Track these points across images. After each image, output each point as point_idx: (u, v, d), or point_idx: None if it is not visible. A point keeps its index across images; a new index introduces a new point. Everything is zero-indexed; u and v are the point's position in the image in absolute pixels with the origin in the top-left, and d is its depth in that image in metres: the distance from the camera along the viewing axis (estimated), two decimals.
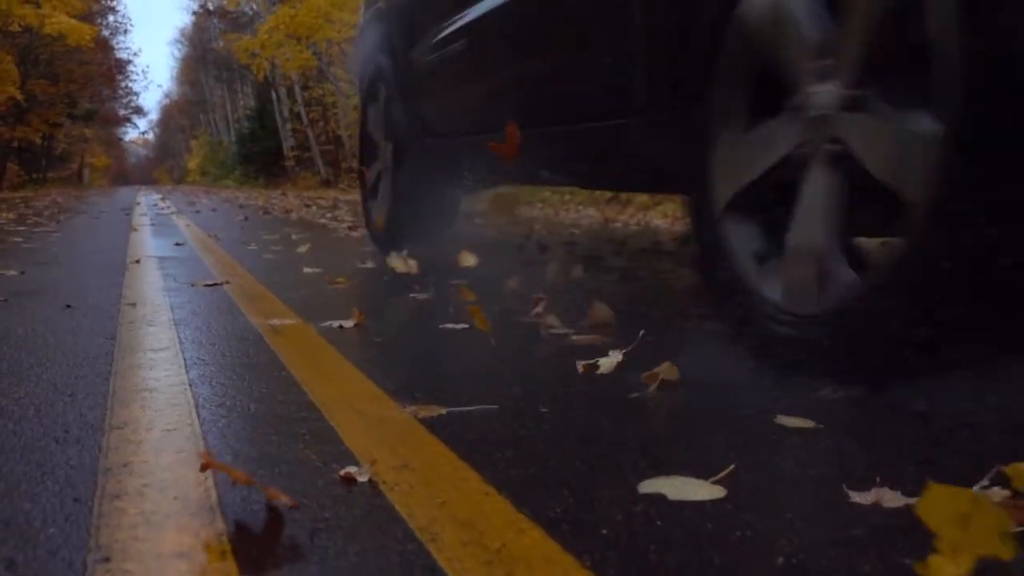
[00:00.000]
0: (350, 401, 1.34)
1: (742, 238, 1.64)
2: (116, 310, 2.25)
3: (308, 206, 9.70)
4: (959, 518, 0.69)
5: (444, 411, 1.28)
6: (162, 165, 73.53)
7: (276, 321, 2.05)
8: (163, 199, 13.32)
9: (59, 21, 20.30)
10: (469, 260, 2.85)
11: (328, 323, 2.01)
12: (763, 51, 1.58)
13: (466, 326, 2.00)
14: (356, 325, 2.00)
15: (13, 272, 3.09)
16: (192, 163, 55.57)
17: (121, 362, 1.63)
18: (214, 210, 8.61)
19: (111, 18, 37.27)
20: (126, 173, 75.11)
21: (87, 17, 26.39)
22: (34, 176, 34.51)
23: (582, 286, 2.62)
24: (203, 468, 0.98)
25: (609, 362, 1.58)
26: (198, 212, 8.16)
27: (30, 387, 1.46)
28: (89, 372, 1.56)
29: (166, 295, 2.50)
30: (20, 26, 20.94)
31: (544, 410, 1.30)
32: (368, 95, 4.07)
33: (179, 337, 1.88)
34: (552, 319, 1.99)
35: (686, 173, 1.78)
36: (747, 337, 1.60)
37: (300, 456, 1.09)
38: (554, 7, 2.40)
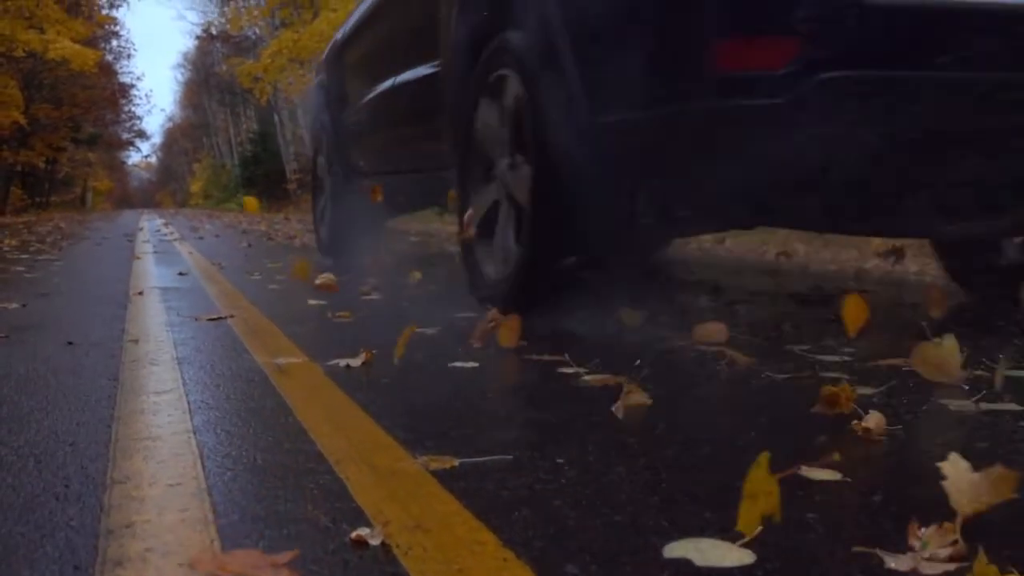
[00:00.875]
0: (359, 451, 1.30)
1: (480, 242, 2.87)
2: (119, 347, 2.21)
3: (311, 231, 9.65)
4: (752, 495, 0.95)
5: (457, 462, 1.24)
6: (165, 188, 73.72)
7: (282, 360, 2.01)
8: (166, 224, 13.32)
9: (63, 46, 20.35)
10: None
11: (335, 362, 1.98)
12: (484, 147, 2.89)
13: (476, 364, 1.97)
14: (363, 364, 1.96)
15: (15, 305, 3.05)
16: (195, 186, 55.73)
17: (123, 406, 1.59)
18: (217, 236, 8.60)
19: (114, 43, 37.41)
20: (129, 196, 75.29)
21: (91, 42, 26.50)
22: (37, 200, 34.61)
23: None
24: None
25: (624, 404, 1.54)
26: (201, 239, 8.13)
27: (30, 435, 1.42)
28: (91, 417, 1.53)
29: (169, 331, 2.46)
30: (24, 51, 20.99)
31: (560, 460, 1.26)
32: (315, 144, 5.56)
33: (183, 378, 1.84)
34: (563, 357, 1.96)
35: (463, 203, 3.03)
36: (481, 296, 2.80)
37: (309, 515, 1.05)
38: (406, 103, 3.78)
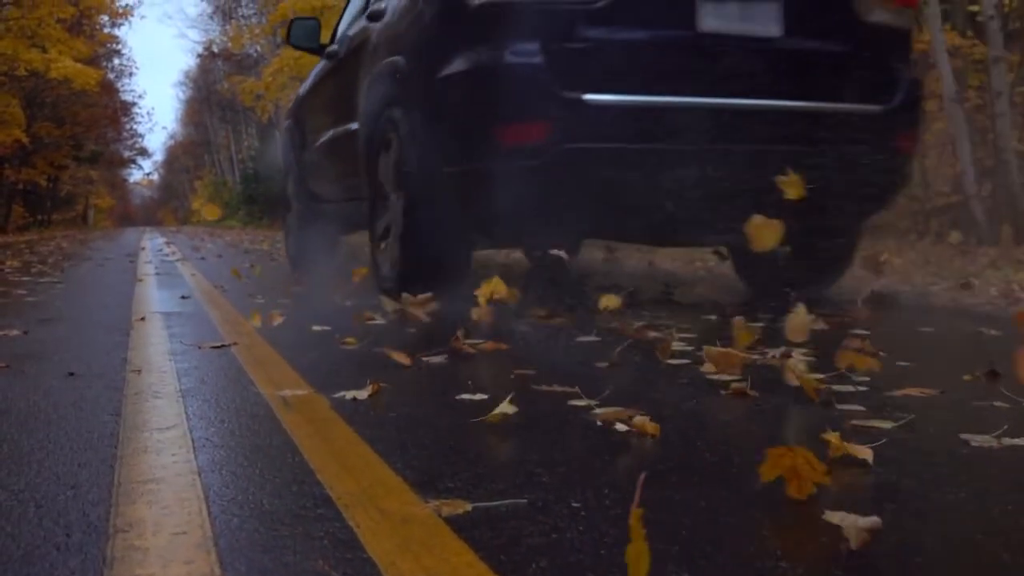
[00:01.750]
0: (369, 494, 1.27)
1: (379, 249, 4.06)
2: (121, 378, 2.18)
3: None
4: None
5: (470, 507, 1.21)
6: (166, 206, 73.76)
7: (287, 392, 1.97)
8: (168, 243, 13.29)
9: (65, 66, 20.36)
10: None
11: (341, 394, 1.94)
12: (382, 186, 4.02)
13: (484, 397, 1.93)
14: (370, 396, 1.92)
15: (16, 332, 3.02)
16: (197, 203, 55.73)
17: (126, 445, 1.56)
18: (219, 256, 8.57)
19: (116, 61, 37.53)
20: (131, 214, 75.43)
21: (93, 60, 26.57)
22: (39, 218, 34.62)
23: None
24: None
25: (640, 441, 1.51)
26: (203, 259, 8.10)
27: (31, 477, 1.38)
28: (93, 457, 1.49)
29: (172, 360, 2.43)
30: (26, 70, 21.02)
31: (576, 504, 1.22)
32: (284, 176, 6.77)
33: (186, 412, 1.80)
34: (574, 388, 1.93)
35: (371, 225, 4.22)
36: (383, 289, 3.85)
37: (319, 568, 1.01)
38: (343, 149, 4.79)
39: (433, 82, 3.51)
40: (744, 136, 3.28)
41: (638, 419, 1.61)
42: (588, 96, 3.15)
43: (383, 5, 4.22)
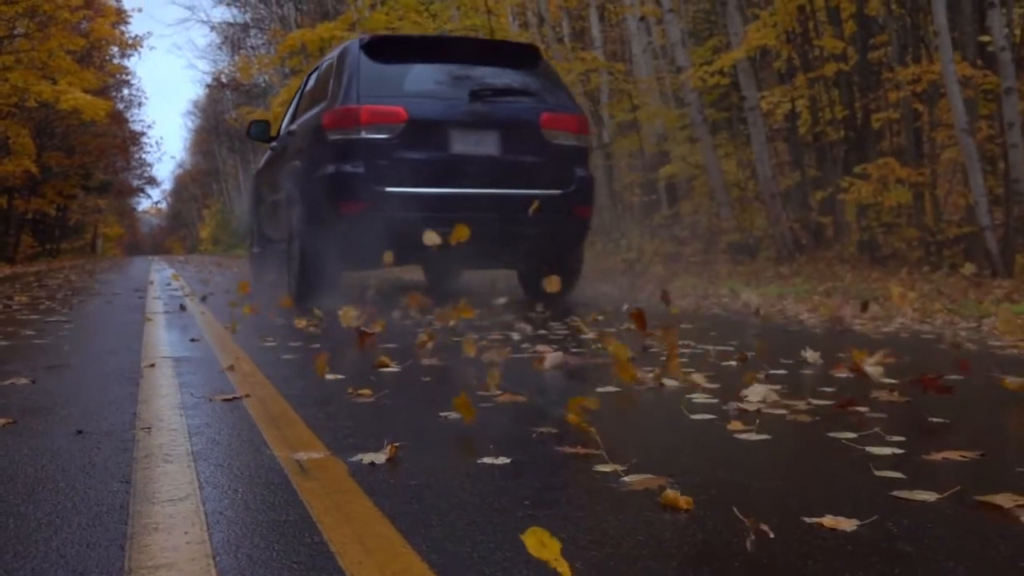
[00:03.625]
0: None
1: (294, 276, 6.55)
2: (131, 437, 2.12)
3: None
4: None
5: None
6: (175, 234, 74.01)
7: (303, 454, 1.91)
8: (176, 276, 13.25)
9: (75, 97, 20.38)
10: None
11: (358, 457, 1.88)
12: (292, 236, 6.83)
13: (507, 460, 1.86)
14: (388, 460, 1.86)
15: (24, 380, 2.96)
16: (204, 232, 55.94)
17: (136, 520, 1.49)
18: (227, 291, 8.50)
19: (126, 91, 37.81)
20: (139, 242, 75.70)
21: (102, 91, 26.70)
22: (48, 247, 34.70)
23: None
24: None
25: (674, 517, 1.44)
26: (212, 294, 8.04)
27: (37, 561, 1.32)
28: (102, 536, 1.43)
29: (183, 415, 2.36)
30: (36, 101, 21.10)
31: None
32: (249, 225, 9.60)
33: (199, 479, 1.74)
34: (600, 451, 1.86)
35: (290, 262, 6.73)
36: (291, 295, 6.42)
37: None
38: (279, 209, 7.22)
39: (311, 179, 6.17)
40: (481, 208, 5.83)
41: (669, 493, 1.54)
42: (389, 189, 5.77)
43: (295, 127, 7.14)
